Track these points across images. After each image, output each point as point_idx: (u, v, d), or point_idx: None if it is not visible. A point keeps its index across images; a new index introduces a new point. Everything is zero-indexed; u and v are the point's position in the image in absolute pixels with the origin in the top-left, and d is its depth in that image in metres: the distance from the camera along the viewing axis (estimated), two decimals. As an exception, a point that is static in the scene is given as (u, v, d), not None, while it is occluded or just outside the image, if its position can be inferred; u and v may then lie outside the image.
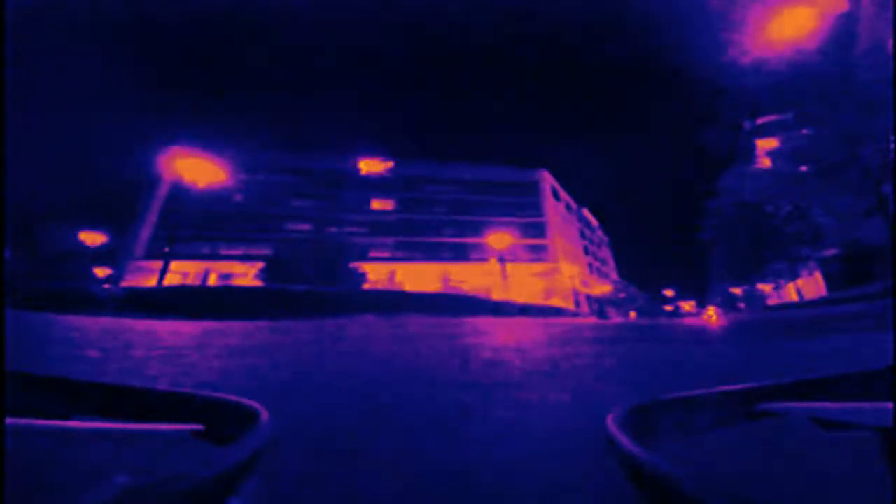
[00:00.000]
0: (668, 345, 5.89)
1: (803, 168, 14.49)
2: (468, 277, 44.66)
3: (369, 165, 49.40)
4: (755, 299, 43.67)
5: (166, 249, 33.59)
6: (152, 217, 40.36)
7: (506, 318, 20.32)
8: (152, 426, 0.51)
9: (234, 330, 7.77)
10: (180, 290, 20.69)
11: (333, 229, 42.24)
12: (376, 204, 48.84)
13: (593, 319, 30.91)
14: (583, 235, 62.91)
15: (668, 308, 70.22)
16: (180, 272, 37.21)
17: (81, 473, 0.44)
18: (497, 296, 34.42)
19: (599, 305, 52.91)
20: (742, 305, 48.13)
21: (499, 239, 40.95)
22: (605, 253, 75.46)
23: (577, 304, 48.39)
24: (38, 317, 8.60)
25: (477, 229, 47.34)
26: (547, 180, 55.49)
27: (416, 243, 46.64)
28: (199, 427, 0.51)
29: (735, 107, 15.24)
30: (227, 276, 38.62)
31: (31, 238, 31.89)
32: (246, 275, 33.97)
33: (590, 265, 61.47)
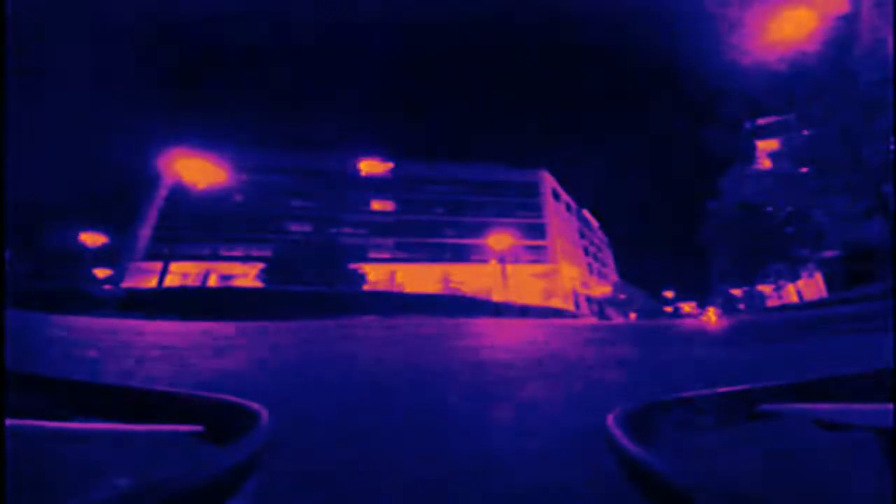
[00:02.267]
0: (668, 345, 5.89)
1: (803, 169, 14.49)
2: (468, 278, 44.63)
3: (369, 166, 49.42)
4: (755, 300, 43.62)
5: (166, 250, 33.60)
6: (152, 218, 40.36)
7: (506, 319, 20.32)
8: (152, 426, 0.51)
9: (234, 331, 7.77)
10: (180, 292, 20.70)
11: (333, 230, 42.26)
12: (376, 204, 48.84)
13: (594, 320, 30.91)
14: (583, 236, 62.89)
15: (668, 309, 70.06)
16: (180, 273, 37.20)
17: (81, 473, 0.44)
18: (497, 297, 34.42)
19: (599, 307, 52.89)
20: (742, 307, 48.08)
21: (499, 240, 40.94)
22: (605, 254, 75.44)
23: (577, 305, 48.36)
24: (38, 317, 8.60)
25: (477, 230, 47.32)
26: (547, 181, 55.49)
27: (416, 244, 46.63)
28: (199, 428, 0.51)
29: (735, 107, 15.26)
30: (227, 277, 38.61)
31: (31, 238, 31.89)
32: (247, 275, 33.98)
33: (590, 266, 61.45)
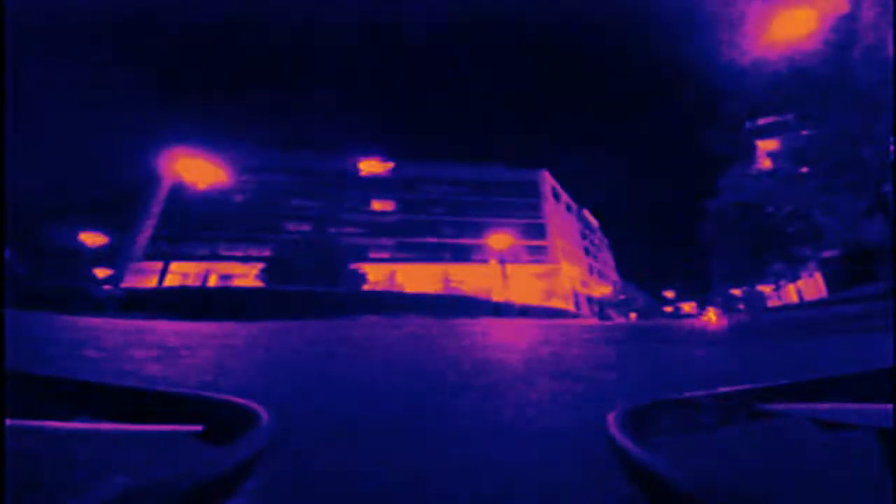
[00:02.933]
0: (668, 345, 5.89)
1: (804, 169, 14.50)
2: (468, 278, 44.63)
3: (369, 166, 49.40)
4: (755, 300, 43.60)
5: (166, 250, 33.62)
6: (152, 218, 40.35)
7: (506, 319, 20.32)
8: (152, 427, 0.51)
9: (233, 331, 7.77)
10: (180, 292, 20.70)
11: (333, 230, 42.25)
12: (376, 204, 48.84)
13: (594, 321, 30.91)
14: (583, 236, 62.89)
15: (668, 309, 70.08)
16: (180, 273, 37.19)
17: (81, 473, 0.44)
18: (497, 297, 34.41)
19: (599, 307, 52.87)
20: (742, 307, 48.06)
21: (499, 240, 40.93)
22: (605, 254, 75.45)
23: (578, 305, 48.36)
24: (38, 317, 8.60)
25: (477, 230, 47.33)
26: (547, 181, 55.49)
27: (416, 244, 46.63)
28: (199, 428, 0.51)
29: (735, 107, 15.26)
30: (227, 277, 38.61)
31: (31, 238, 31.92)
32: (247, 275, 33.98)
33: (590, 266, 61.45)
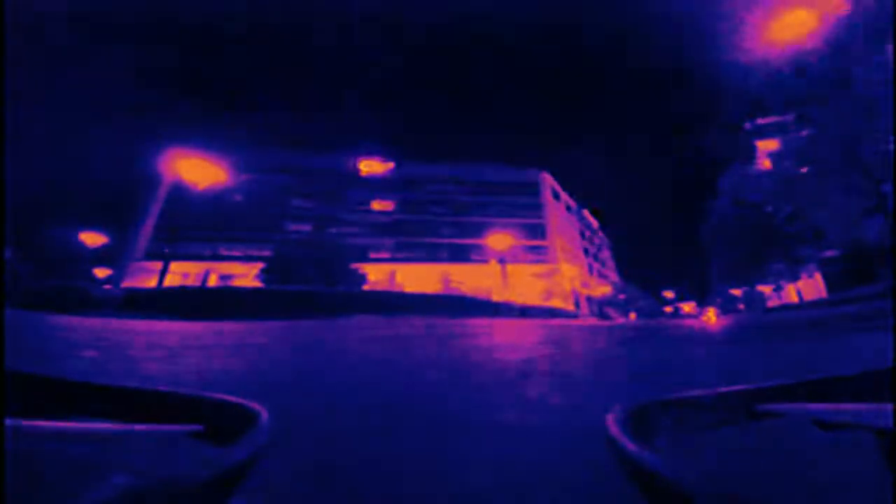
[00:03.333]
0: (668, 345, 5.90)
1: (804, 169, 14.50)
2: (468, 278, 44.64)
3: (369, 166, 49.41)
4: (755, 301, 43.59)
5: (166, 250, 33.63)
6: (152, 218, 40.37)
7: (505, 319, 20.33)
8: (152, 427, 0.51)
9: (233, 331, 7.77)
10: (180, 292, 20.71)
11: (333, 230, 42.26)
12: (376, 204, 48.86)
13: (593, 321, 30.91)
14: (583, 236, 62.90)
15: (668, 309, 70.08)
16: (180, 273, 37.20)
17: (81, 473, 0.44)
18: (497, 297, 34.41)
19: (599, 307, 52.87)
20: (742, 307, 48.04)
21: (499, 240, 40.96)
22: (605, 254, 75.44)
23: (577, 305, 48.36)
24: (38, 317, 8.60)
25: (477, 230, 47.36)
26: (547, 181, 55.52)
27: (416, 244, 46.65)
28: (199, 427, 0.51)
29: (735, 107, 15.29)
30: (227, 277, 38.61)
31: (31, 238, 31.91)
32: (247, 275, 33.98)
33: (590, 266, 61.45)
